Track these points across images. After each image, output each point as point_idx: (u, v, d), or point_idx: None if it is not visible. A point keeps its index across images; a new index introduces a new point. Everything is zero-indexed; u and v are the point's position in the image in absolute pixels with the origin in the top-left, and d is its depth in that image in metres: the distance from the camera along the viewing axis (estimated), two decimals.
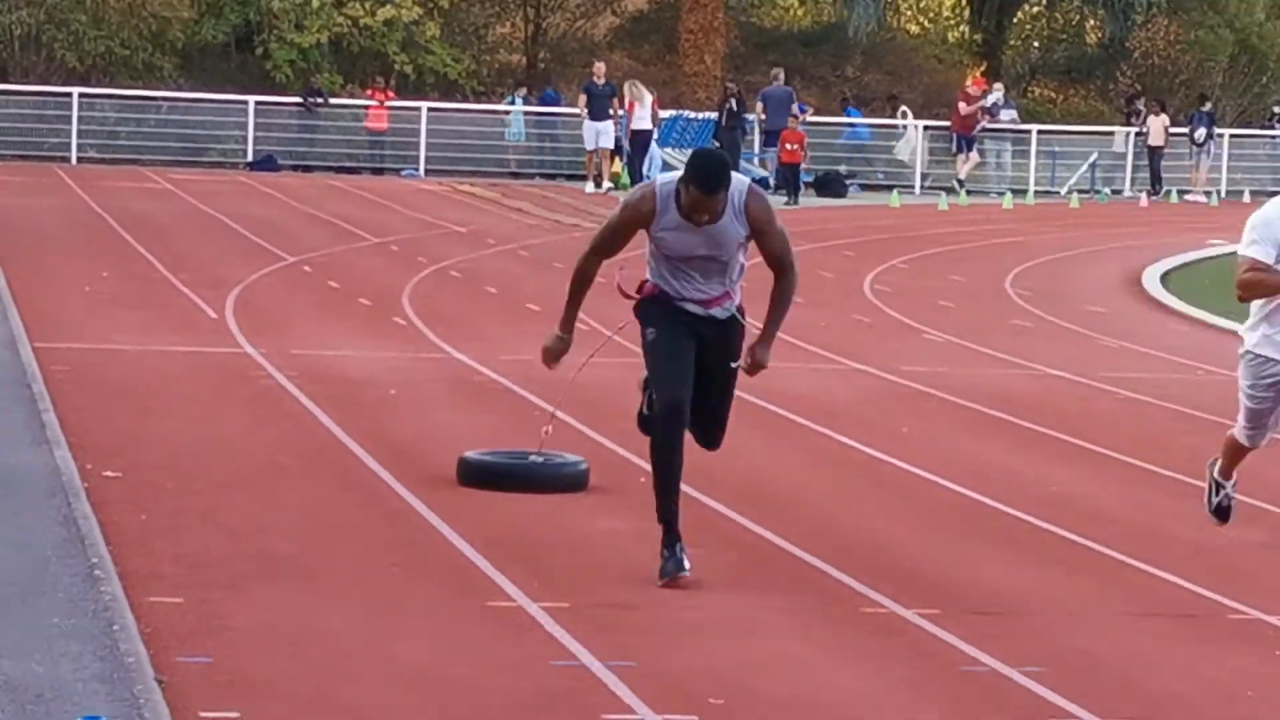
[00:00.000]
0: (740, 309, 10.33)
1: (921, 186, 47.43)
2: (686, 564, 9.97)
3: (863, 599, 9.87)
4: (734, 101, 43.69)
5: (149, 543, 10.34)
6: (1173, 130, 48.41)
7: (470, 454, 12.14)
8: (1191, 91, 52.89)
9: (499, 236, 31.66)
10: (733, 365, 10.25)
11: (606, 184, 42.10)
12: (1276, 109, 54.14)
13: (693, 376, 10.12)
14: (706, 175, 9.74)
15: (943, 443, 15.02)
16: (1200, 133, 49.28)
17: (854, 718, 8.13)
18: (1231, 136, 51.85)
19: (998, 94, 49.40)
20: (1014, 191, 46.03)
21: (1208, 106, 50.66)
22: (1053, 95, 57.33)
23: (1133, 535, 11.78)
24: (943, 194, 45.37)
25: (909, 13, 60.20)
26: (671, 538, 10.03)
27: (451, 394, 16.20)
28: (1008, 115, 49.66)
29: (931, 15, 60.90)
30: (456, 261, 27.44)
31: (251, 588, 9.62)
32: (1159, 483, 13.75)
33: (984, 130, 47.99)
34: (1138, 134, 48.85)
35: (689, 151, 45.57)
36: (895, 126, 49.34)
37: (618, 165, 42.30)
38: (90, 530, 10.40)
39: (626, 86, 41.79)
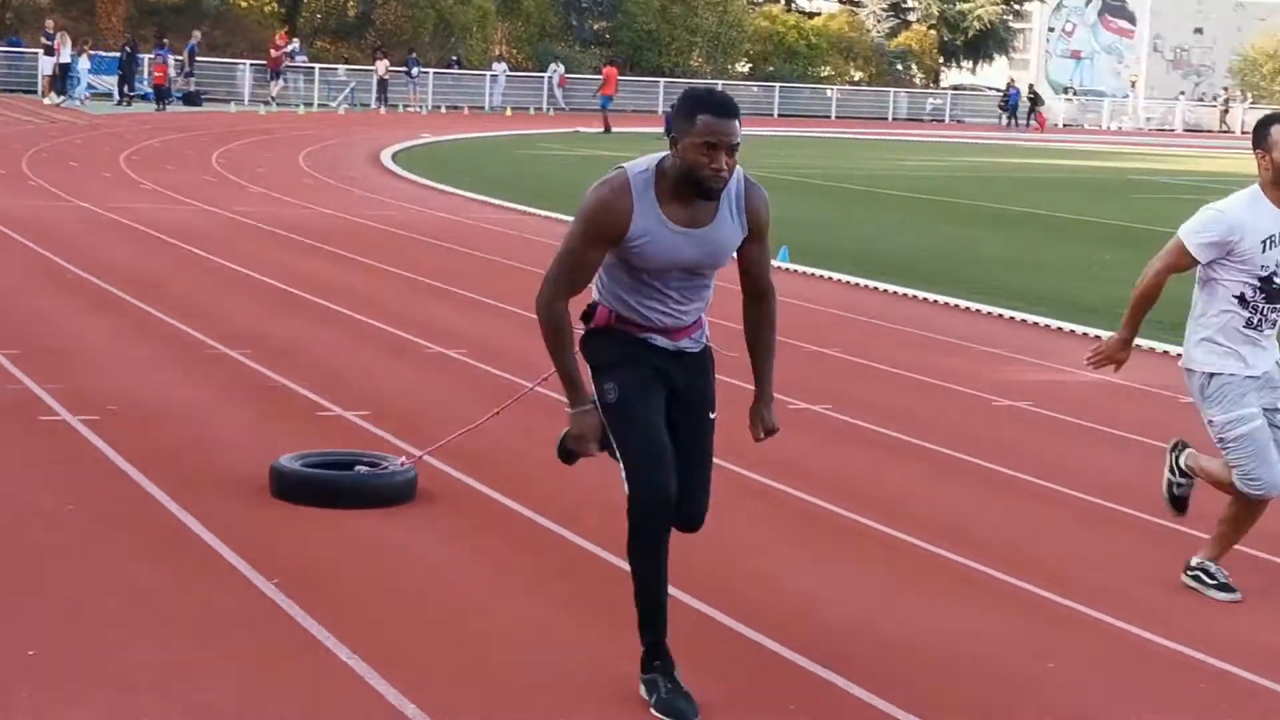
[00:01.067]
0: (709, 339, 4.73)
1: (249, 100, 46.16)
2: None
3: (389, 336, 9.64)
4: (129, 49, 42.01)
5: None
6: (394, 68, 48.24)
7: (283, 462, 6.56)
8: (409, 44, 52.65)
9: None
10: (712, 416, 4.67)
11: (52, 97, 40.01)
12: (464, 59, 54.42)
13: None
14: (721, 99, 4.32)
15: (271, 256, 14.81)
16: (414, 70, 49.26)
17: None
18: (434, 73, 51.94)
19: (294, 45, 48.58)
20: (305, 105, 45.36)
21: (415, 55, 50.40)
22: (328, 47, 56.11)
23: (478, 282, 11.78)
24: (261, 105, 44.42)
25: None
26: (666, 664, 4.56)
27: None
28: (301, 58, 48.96)
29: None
30: None
31: None
32: (464, 258, 13.80)
33: (287, 67, 47.14)
34: (377, 74, 48.30)
35: (105, 77, 42.72)
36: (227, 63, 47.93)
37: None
38: None
39: (57, 36, 39.81)
